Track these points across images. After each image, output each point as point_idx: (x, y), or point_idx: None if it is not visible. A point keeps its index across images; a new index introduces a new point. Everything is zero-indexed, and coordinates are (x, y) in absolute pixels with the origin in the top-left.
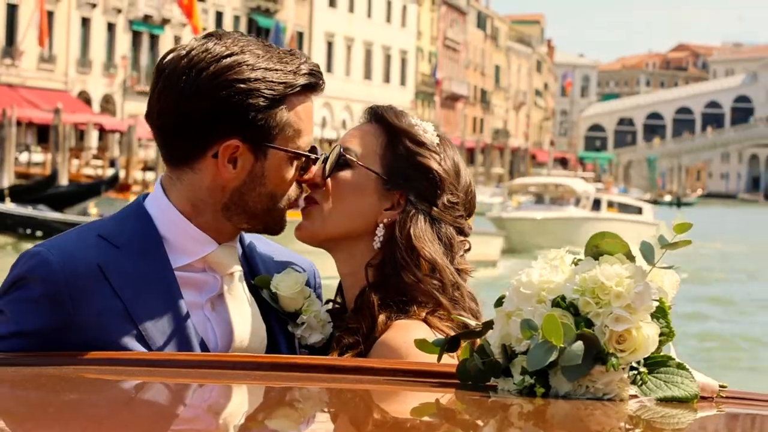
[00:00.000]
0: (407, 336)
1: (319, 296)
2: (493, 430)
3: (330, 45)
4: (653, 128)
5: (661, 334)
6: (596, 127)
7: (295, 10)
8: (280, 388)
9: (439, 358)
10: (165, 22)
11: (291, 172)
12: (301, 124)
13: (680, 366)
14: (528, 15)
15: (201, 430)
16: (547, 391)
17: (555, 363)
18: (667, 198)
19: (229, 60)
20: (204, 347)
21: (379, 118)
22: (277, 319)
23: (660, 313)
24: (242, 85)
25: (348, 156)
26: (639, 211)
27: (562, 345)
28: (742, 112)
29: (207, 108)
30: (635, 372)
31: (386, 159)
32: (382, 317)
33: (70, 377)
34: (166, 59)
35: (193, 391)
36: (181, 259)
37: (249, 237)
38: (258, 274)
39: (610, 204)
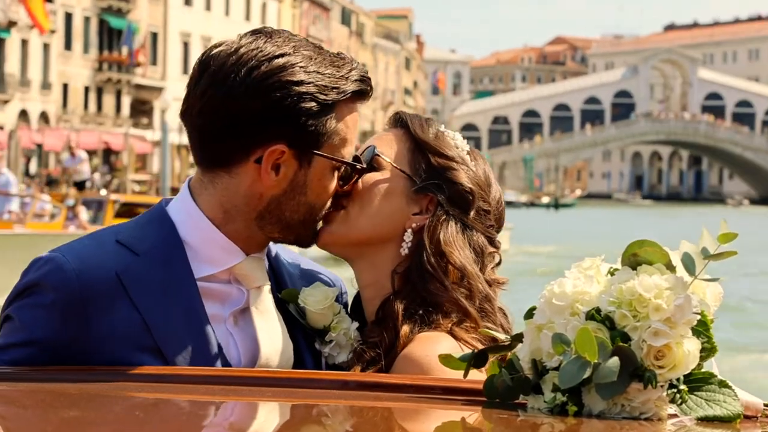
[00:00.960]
0: (431, 349)
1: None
2: None
3: (186, 45)
4: (529, 126)
5: (702, 350)
6: (469, 127)
7: (149, 10)
8: (299, 405)
9: (466, 374)
10: (11, 24)
11: (333, 183)
12: (347, 133)
13: (723, 383)
14: (395, 9)
15: None
16: (580, 409)
17: (589, 380)
18: (545, 200)
19: (281, 60)
20: (225, 363)
21: (405, 125)
22: (304, 336)
23: (702, 327)
24: (296, 88)
25: (380, 157)
26: None
27: (596, 361)
28: (623, 107)
29: (257, 109)
30: (674, 390)
31: (415, 162)
32: (405, 329)
33: (78, 393)
34: (212, 54)
35: (208, 408)
36: (205, 269)
37: (275, 247)
38: (284, 287)
39: None
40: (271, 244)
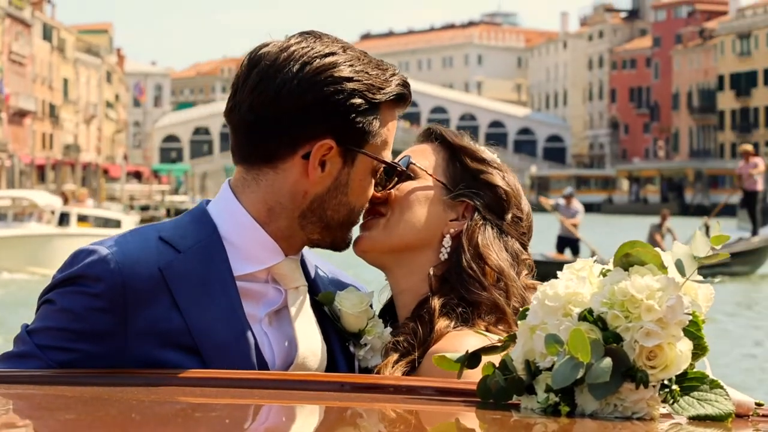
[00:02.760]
0: (460, 346)
1: None
2: None
3: None
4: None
5: (694, 350)
6: (171, 138)
7: None
8: (295, 406)
9: (459, 375)
10: None
11: (371, 185)
12: (388, 136)
13: (714, 383)
14: (95, 24)
15: None
16: (572, 409)
17: (581, 380)
18: None
19: (332, 58)
20: (262, 363)
21: (438, 136)
22: (338, 339)
23: (693, 328)
24: (346, 84)
25: (416, 165)
26: (118, 224)
27: (589, 361)
28: None
29: (308, 103)
30: (667, 390)
31: (450, 169)
32: (441, 323)
33: (113, 397)
34: (261, 52)
35: (203, 410)
36: (245, 267)
37: (307, 253)
38: (317, 291)
39: (83, 218)
40: (308, 254)
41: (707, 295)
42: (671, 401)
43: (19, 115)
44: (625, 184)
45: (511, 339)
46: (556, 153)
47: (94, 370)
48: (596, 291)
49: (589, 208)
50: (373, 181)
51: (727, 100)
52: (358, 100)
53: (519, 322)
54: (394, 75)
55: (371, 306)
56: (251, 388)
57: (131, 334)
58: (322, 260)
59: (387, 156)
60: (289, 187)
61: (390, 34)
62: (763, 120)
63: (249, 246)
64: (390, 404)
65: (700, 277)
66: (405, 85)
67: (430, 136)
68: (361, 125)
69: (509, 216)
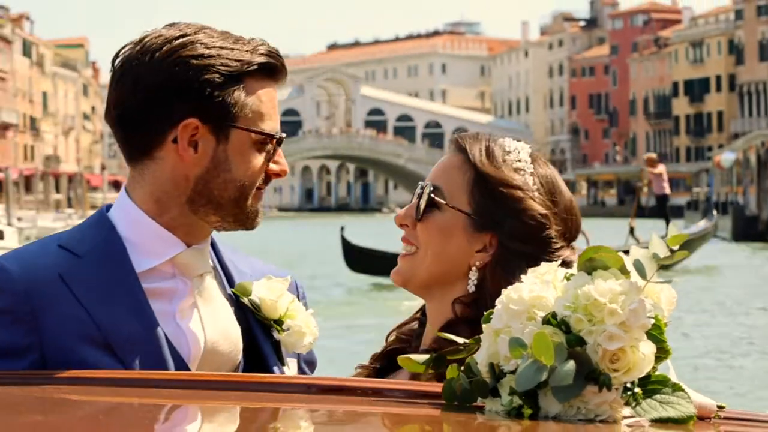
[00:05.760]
0: None
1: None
2: None
3: None
4: None
5: (656, 353)
6: None
7: None
8: (261, 408)
9: (423, 377)
10: None
11: (257, 158)
12: (262, 108)
13: (676, 386)
14: (72, 39)
15: None
16: (536, 412)
17: (545, 383)
18: None
19: (182, 39)
20: (176, 357)
21: (463, 151)
22: (262, 327)
23: (656, 331)
24: (195, 61)
25: (437, 198)
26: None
27: (552, 364)
28: (291, 125)
29: (162, 87)
30: (629, 393)
31: (475, 197)
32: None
33: (39, 398)
34: (121, 51)
35: (169, 412)
36: (146, 262)
37: (224, 249)
38: (234, 284)
39: None
40: (222, 247)
41: (669, 298)
42: (634, 404)
43: (1, 129)
44: (584, 187)
45: (476, 342)
46: None
47: (10, 372)
48: (560, 295)
49: None
50: (261, 151)
51: (681, 106)
52: (213, 75)
53: (483, 326)
54: (258, 46)
55: (294, 292)
56: (217, 390)
57: (46, 339)
58: (244, 254)
59: (266, 127)
60: (169, 174)
61: (356, 44)
62: (716, 124)
63: (146, 240)
64: (357, 406)
65: (661, 279)
66: (271, 54)
67: (456, 149)
68: (221, 99)
69: (537, 240)
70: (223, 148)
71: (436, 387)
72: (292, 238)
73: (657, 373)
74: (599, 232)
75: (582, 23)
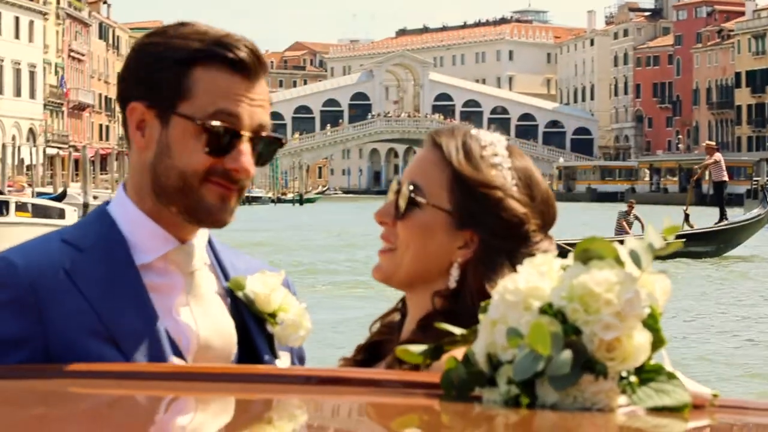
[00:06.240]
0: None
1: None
2: None
3: None
4: (273, 128)
5: (652, 342)
6: None
7: None
8: (260, 400)
9: (421, 367)
10: None
11: (197, 147)
12: (211, 96)
13: (671, 375)
14: (147, 22)
15: None
16: (533, 401)
17: (542, 372)
18: (290, 195)
19: (157, 31)
20: (176, 350)
21: (439, 147)
22: (256, 321)
23: (651, 321)
24: (151, 49)
25: (417, 197)
26: (61, 213)
27: (549, 354)
28: (360, 108)
29: (125, 73)
30: (625, 381)
31: (455, 194)
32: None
33: (43, 391)
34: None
35: (167, 404)
36: (142, 257)
37: (222, 248)
38: (229, 278)
39: (21, 207)
40: (220, 245)
41: (664, 288)
42: (630, 392)
43: (78, 109)
44: (647, 174)
45: (474, 333)
46: (583, 145)
47: (13, 365)
48: (556, 285)
49: (614, 196)
50: (203, 141)
51: (743, 96)
52: (162, 62)
53: (480, 316)
54: (220, 36)
55: (288, 286)
56: (218, 381)
57: (50, 332)
58: (237, 252)
59: (215, 118)
60: (135, 162)
61: (425, 30)
62: None
63: (139, 235)
64: (356, 397)
65: (656, 270)
66: (233, 46)
67: (431, 146)
68: (164, 84)
69: (517, 236)
70: (165, 133)
71: (434, 377)
72: (355, 219)
73: (652, 362)
74: (657, 219)
75: (647, 13)
